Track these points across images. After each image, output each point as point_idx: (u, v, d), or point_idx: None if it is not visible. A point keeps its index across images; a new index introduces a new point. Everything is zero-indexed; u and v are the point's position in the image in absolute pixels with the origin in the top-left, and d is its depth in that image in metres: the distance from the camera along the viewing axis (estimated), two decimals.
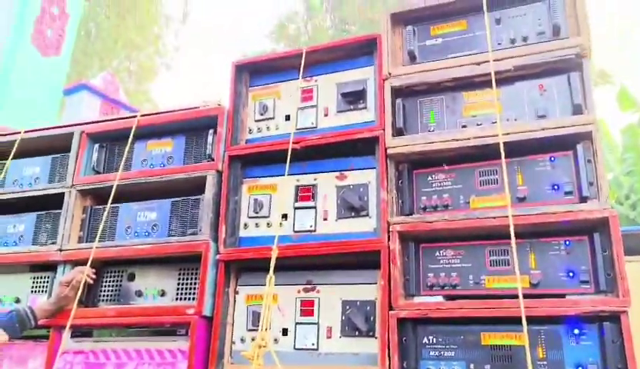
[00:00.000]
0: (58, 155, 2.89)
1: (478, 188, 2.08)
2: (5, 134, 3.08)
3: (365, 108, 2.37)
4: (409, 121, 2.25)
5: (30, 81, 6.73)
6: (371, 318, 2.06)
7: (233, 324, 2.28)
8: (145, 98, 17.65)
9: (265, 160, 2.46)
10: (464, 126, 2.16)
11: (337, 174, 2.33)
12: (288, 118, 2.51)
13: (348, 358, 2.06)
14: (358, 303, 2.11)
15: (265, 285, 1.98)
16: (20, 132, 3.00)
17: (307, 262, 2.24)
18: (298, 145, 2.34)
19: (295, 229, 2.31)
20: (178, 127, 2.68)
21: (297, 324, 2.18)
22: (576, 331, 1.78)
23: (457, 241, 2.05)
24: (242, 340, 2.24)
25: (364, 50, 2.46)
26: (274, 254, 2.04)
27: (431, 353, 1.93)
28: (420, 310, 1.95)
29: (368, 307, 2.09)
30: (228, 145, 2.50)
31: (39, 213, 2.80)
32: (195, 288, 2.37)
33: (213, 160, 2.50)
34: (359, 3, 16.97)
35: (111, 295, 2.53)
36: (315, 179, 2.36)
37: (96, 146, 2.80)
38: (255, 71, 2.67)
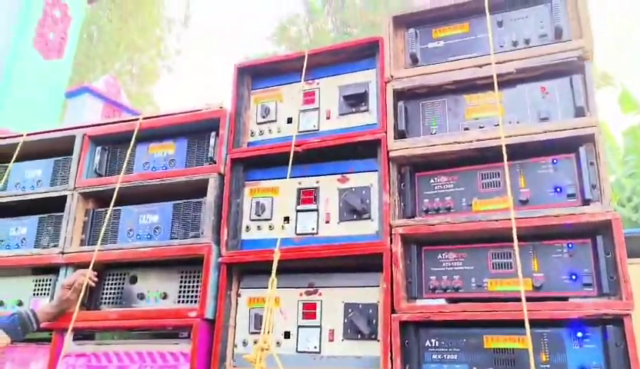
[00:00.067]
0: (61, 158, 2.89)
1: (481, 191, 2.08)
2: (8, 137, 3.09)
3: (367, 110, 2.37)
4: (411, 123, 2.25)
5: (32, 84, 6.74)
6: (374, 321, 2.06)
7: (235, 327, 2.28)
8: (147, 101, 17.68)
9: (267, 163, 2.46)
10: (466, 129, 2.15)
11: (339, 176, 2.33)
12: (290, 120, 2.51)
13: (350, 361, 2.06)
14: (360, 306, 2.11)
15: (267, 288, 1.98)
16: (22, 135, 3.01)
17: (309, 265, 2.24)
18: (300, 148, 2.34)
19: (297, 232, 2.31)
20: (180, 130, 2.69)
21: (299, 327, 2.17)
22: (579, 334, 1.78)
23: (459, 243, 2.04)
24: (244, 343, 2.24)
25: (366, 53, 2.46)
26: (276, 257, 2.04)
27: (434, 356, 1.93)
28: (422, 313, 1.95)
29: (371, 310, 2.08)
30: (230, 148, 2.50)
31: (41, 216, 2.80)
32: (197, 291, 2.37)
33: (215, 163, 2.50)
34: (361, 6, 16.99)
35: (113, 298, 2.53)
36: (317, 182, 2.36)
37: (98, 149, 2.80)
38: (257, 74, 2.67)
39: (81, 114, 7.61)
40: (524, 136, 2.00)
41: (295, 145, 2.33)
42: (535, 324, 1.72)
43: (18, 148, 2.95)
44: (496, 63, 2.11)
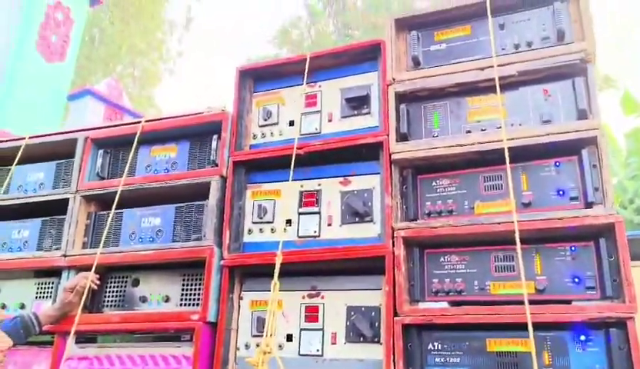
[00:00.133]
0: (63, 161, 2.90)
1: (483, 194, 2.07)
2: (10, 140, 3.10)
3: (369, 113, 2.37)
4: (413, 126, 2.25)
5: (34, 86, 6.77)
6: (376, 324, 2.06)
7: (237, 330, 2.28)
8: (148, 104, 17.71)
9: (269, 165, 2.46)
10: (468, 131, 2.15)
11: (341, 179, 2.33)
12: (292, 123, 2.51)
13: (353, 364, 2.05)
14: (362, 309, 2.10)
15: (269, 291, 1.98)
16: (24, 138, 3.01)
17: (311, 268, 2.24)
18: (301, 151, 2.34)
19: (299, 234, 2.30)
20: (182, 132, 2.69)
21: (301, 329, 2.17)
22: (582, 338, 1.77)
23: (462, 246, 2.04)
24: (247, 346, 2.23)
25: (368, 55, 2.46)
26: (278, 260, 2.04)
27: (437, 359, 1.92)
28: (425, 316, 1.95)
29: (373, 313, 2.08)
30: (232, 151, 2.50)
31: (44, 218, 2.80)
32: (199, 294, 2.37)
33: (217, 165, 2.51)
34: (362, 8, 17.01)
35: (115, 301, 2.53)
36: (319, 184, 2.36)
37: (100, 152, 2.81)
38: (258, 77, 2.68)
39: (83, 117, 7.63)
40: (526, 139, 2.00)
41: (297, 148, 2.33)
42: (537, 327, 1.72)
43: (21, 151, 2.96)
44: (498, 65, 2.11)
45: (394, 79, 2.29)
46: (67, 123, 7.88)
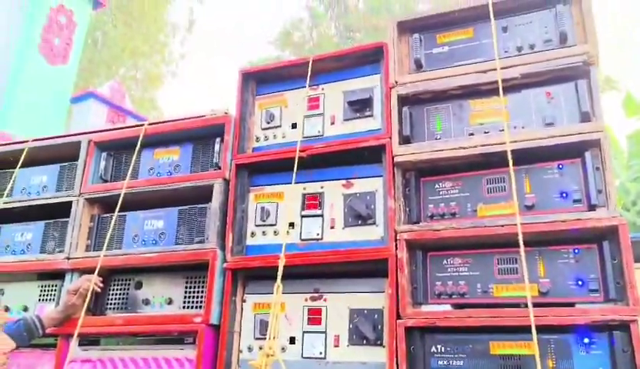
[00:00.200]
0: (66, 164, 2.90)
1: (486, 196, 2.07)
2: (13, 143, 3.11)
3: (372, 116, 2.38)
4: (416, 129, 2.25)
5: (37, 89, 6.78)
6: (379, 327, 2.06)
7: (240, 333, 2.28)
8: (151, 106, 17.74)
9: (272, 168, 2.46)
10: (471, 134, 2.15)
11: (343, 182, 2.33)
12: (294, 126, 2.51)
13: (355, 367, 2.05)
14: (365, 311, 2.10)
15: (272, 293, 1.98)
16: (28, 141, 3.02)
17: (314, 270, 2.24)
18: (304, 153, 2.35)
19: (302, 237, 2.31)
20: (185, 135, 2.69)
21: (304, 332, 2.17)
22: (586, 340, 1.77)
23: (464, 249, 2.04)
24: (250, 348, 2.23)
25: (370, 58, 2.46)
26: (281, 263, 2.04)
27: (440, 362, 1.92)
28: (428, 318, 1.94)
29: (376, 316, 2.08)
30: (235, 153, 2.50)
31: (47, 221, 2.81)
32: (202, 296, 2.37)
33: (220, 168, 2.51)
34: (364, 11, 17.03)
35: (118, 303, 2.53)
36: (322, 187, 2.36)
37: (104, 154, 2.81)
38: (261, 80, 2.68)
39: (85, 120, 7.64)
40: (529, 141, 2.00)
41: (300, 151, 2.33)
42: (541, 329, 1.71)
43: (24, 154, 2.97)
44: (501, 68, 2.11)
45: (396, 82, 2.29)
46: (70, 125, 7.90)
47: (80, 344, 2.43)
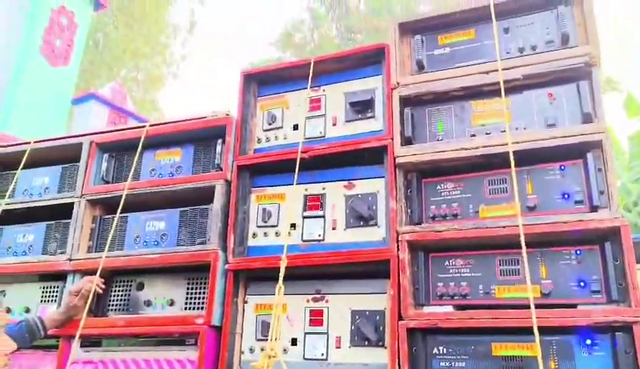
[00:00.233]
0: (68, 165, 2.91)
1: (488, 197, 2.07)
2: (15, 144, 3.11)
3: (373, 117, 2.38)
4: (418, 130, 2.25)
5: (39, 90, 6.78)
6: (381, 328, 2.06)
7: (242, 334, 2.28)
8: (152, 107, 17.75)
9: (274, 169, 2.46)
10: (473, 135, 2.15)
11: (345, 183, 2.33)
12: (296, 127, 2.52)
13: (357, 368, 2.05)
14: (367, 313, 2.10)
15: (273, 294, 1.98)
16: (30, 142, 3.03)
17: (316, 272, 2.24)
18: (306, 155, 2.35)
19: (304, 238, 2.31)
20: (186, 136, 2.70)
21: (306, 333, 2.17)
22: (588, 342, 1.77)
23: (466, 250, 2.04)
24: (251, 350, 2.23)
25: (372, 59, 2.46)
26: (283, 264, 2.04)
27: (442, 363, 1.92)
28: (430, 320, 1.94)
29: (378, 317, 2.08)
30: (237, 155, 2.51)
31: (49, 223, 2.81)
32: (203, 298, 2.37)
33: (221, 169, 2.51)
34: (365, 12, 17.04)
35: (120, 305, 2.53)
36: (324, 188, 2.36)
37: (105, 156, 2.82)
38: (263, 81, 2.68)
39: (87, 121, 7.65)
40: (531, 142, 2.00)
41: (302, 152, 2.34)
42: (543, 331, 1.70)
43: (26, 155, 2.97)
44: (503, 69, 2.11)
45: (398, 83, 2.30)
46: (71, 127, 7.90)
47: (82, 346, 2.43)
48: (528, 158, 2.01)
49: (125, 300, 2.53)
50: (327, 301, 2.19)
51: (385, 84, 2.35)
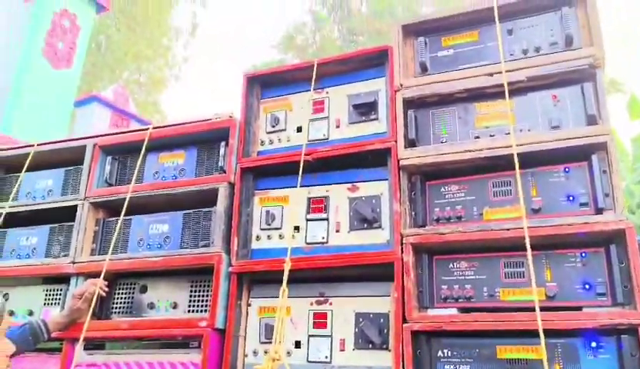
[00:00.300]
0: (71, 168, 2.91)
1: (492, 200, 2.06)
2: (19, 147, 3.11)
3: (377, 119, 2.37)
4: (421, 132, 2.25)
5: (41, 93, 6.80)
6: (385, 331, 2.05)
7: (246, 337, 2.28)
8: (154, 109, 17.78)
9: (277, 172, 2.46)
10: (476, 137, 2.15)
11: (349, 185, 2.32)
12: (299, 129, 2.52)
13: None
14: (371, 315, 2.10)
15: (277, 297, 1.98)
16: (33, 145, 3.03)
17: (319, 274, 2.23)
18: (309, 157, 2.35)
19: (308, 241, 2.30)
20: (189, 139, 2.70)
21: (310, 336, 2.17)
22: (593, 344, 1.76)
23: (471, 252, 2.03)
24: (255, 353, 2.23)
25: (375, 61, 2.46)
26: (287, 267, 2.04)
27: (446, 366, 1.91)
28: (434, 322, 1.94)
29: (382, 320, 2.07)
30: (240, 157, 2.50)
31: (52, 225, 2.81)
32: (207, 300, 2.37)
33: (225, 172, 2.51)
34: (367, 14, 17.05)
35: (123, 307, 2.53)
36: (327, 191, 2.35)
37: (109, 158, 2.82)
38: (266, 84, 2.68)
39: (89, 123, 7.68)
40: (535, 144, 1.99)
41: (305, 154, 2.33)
42: (548, 334, 1.70)
43: (29, 158, 2.97)
44: (507, 71, 2.10)
45: (401, 85, 2.29)
46: (73, 129, 7.92)
47: (85, 348, 2.43)
48: (533, 160, 2.00)
49: (128, 302, 2.53)
50: (331, 304, 2.19)
51: (389, 86, 2.35)
